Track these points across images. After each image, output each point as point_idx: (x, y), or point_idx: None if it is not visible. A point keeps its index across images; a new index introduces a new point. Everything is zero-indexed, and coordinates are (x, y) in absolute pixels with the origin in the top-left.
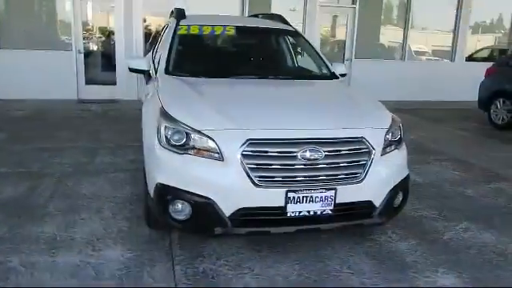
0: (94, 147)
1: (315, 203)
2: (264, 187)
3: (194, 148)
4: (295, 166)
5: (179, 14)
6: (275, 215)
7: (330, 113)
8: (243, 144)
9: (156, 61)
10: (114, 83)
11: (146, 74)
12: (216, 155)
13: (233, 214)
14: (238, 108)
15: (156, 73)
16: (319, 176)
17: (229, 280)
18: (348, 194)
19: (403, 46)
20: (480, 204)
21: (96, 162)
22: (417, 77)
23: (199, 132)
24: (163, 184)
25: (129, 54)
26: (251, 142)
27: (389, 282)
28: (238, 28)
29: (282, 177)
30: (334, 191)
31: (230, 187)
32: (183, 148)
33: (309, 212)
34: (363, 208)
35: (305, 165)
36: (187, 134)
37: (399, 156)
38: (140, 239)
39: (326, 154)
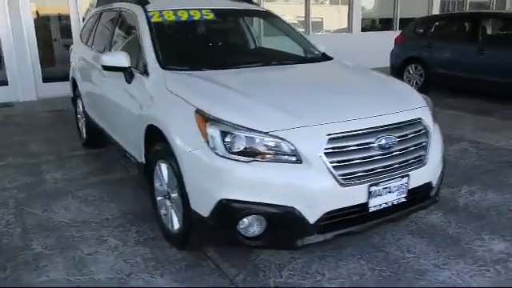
0: (31, 163)
1: (392, 193)
2: (348, 185)
3: (261, 153)
4: (374, 158)
5: (141, 0)
6: (357, 213)
7: (382, 96)
8: (324, 141)
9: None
10: (5, 83)
11: (127, 72)
12: (292, 158)
13: (318, 220)
14: (291, 101)
15: (144, 70)
16: (394, 164)
17: None
18: (417, 178)
19: (306, 21)
20: (461, 166)
21: (48, 181)
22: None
23: (267, 134)
24: (229, 199)
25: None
26: (331, 138)
27: (455, 258)
28: (215, 12)
29: (363, 171)
30: (407, 178)
31: (315, 191)
32: (248, 154)
33: (387, 203)
34: (425, 190)
35: (381, 154)
36: (250, 138)
37: (439, 131)
38: (177, 265)
39: (398, 140)
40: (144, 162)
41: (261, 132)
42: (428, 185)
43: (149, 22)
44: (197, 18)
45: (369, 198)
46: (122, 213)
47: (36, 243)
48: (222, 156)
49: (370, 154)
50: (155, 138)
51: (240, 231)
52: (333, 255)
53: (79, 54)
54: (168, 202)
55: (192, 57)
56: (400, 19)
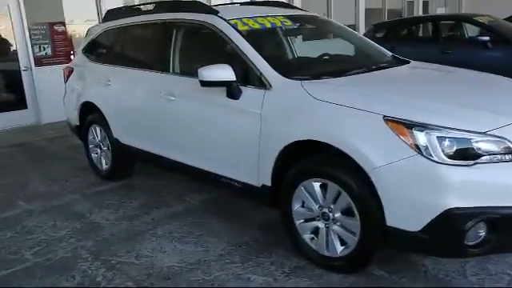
0: (57, 205)
1: None
2: None
3: (480, 155)
4: None
5: (210, 9)
6: None
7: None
8: None
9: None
10: None
11: (234, 87)
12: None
13: None
14: (465, 101)
15: (259, 82)
16: None
17: None
18: None
19: None
20: None
21: (102, 223)
22: None
23: (485, 134)
24: (457, 208)
25: None
26: None
27: None
28: (291, 18)
29: None
30: None
31: None
32: (467, 157)
33: None
34: None
35: None
36: (467, 140)
37: None
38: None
39: None
40: (269, 184)
41: (479, 133)
42: None
43: (239, 31)
44: (279, 24)
45: None
46: (233, 245)
47: None
48: (441, 162)
49: None
50: (293, 157)
51: (466, 240)
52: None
53: (100, 76)
54: (320, 224)
55: (305, 65)
56: None
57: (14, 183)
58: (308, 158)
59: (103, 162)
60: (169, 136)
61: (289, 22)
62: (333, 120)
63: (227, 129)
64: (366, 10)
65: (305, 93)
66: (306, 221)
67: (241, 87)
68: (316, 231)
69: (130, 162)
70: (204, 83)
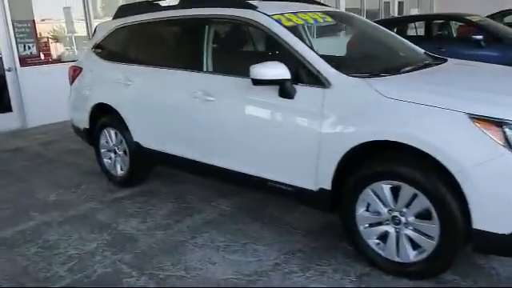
0: (74, 215)
1: None
2: None
3: None
4: None
5: (249, 4)
6: None
7: None
8: None
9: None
10: None
11: (288, 86)
12: None
13: None
14: None
15: (316, 80)
16: None
17: None
18: None
19: None
20: None
21: (133, 233)
22: None
23: None
24: None
25: None
26: None
27: None
28: (330, 14)
29: None
30: None
31: None
32: None
33: None
34: None
35: None
36: None
37: None
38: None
39: None
40: (329, 188)
41: None
42: None
43: (286, 27)
44: (321, 21)
45: None
46: (285, 253)
47: None
48: None
49: None
50: (357, 159)
51: None
52: None
53: (118, 75)
54: (390, 229)
55: (353, 61)
56: None
57: (21, 192)
58: (377, 160)
59: (118, 167)
60: (205, 139)
61: (329, 18)
62: (412, 119)
63: (280, 130)
64: (346, 9)
65: (373, 91)
66: (372, 225)
67: (295, 86)
68: (383, 236)
69: (148, 167)
70: (256, 82)
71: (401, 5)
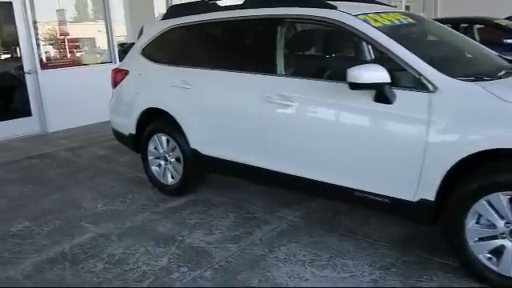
0: (132, 226)
1: None
2: None
3: None
4: None
5: (328, 4)
6: None
7: None
8: None
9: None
10: None
11: (387, 90)
12: None
13: None
14: None
15: (419, 84)
16: None
17: None
18: None
19: None
20: None
21: (205, 247)
22: None
23: None
24: None
25: None
26: None
27: None
28: (410, 16)
29: None
30: None
31: None
32: None
33: None
34: None
35: None
36: None
37: None
38: None
39: None
40: (432, 199)
41: None
42: None
43: (377, 29)
44: (405, 22)
45: None
46: (379, 268)
47: None
48: None
49: None
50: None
51: None
52: None
53: (174, 78)
54: (507, 243)
55: (449, 64)
56: None
57: (65, 202)
58: (495, 169)
59: (168, 175)
60: (279, 146)
61: (410, 19)
62: None
63: (374, 137)
64: None
65: (491, 95)
66: (484, 239)
67: (394, 90)
68: (496, 250)
69: (202, 176)
70: (354, 85)
71: (407, 9)
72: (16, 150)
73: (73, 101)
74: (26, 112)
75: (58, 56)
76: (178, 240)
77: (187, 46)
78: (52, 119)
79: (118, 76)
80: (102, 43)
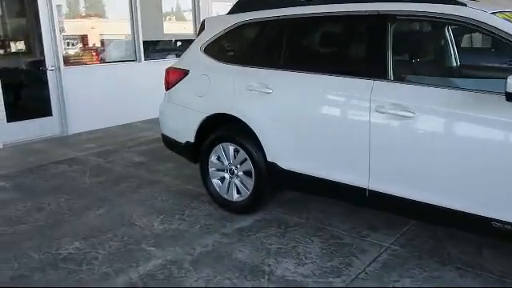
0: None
1: None
2: None
3: None
4: None
5: (458, 1)
6: None
7: None
8: None
9: None
10: None
11: None
12: None
13: None
14: None
15: None
16: None
17: None
18: None
19: None
20: None
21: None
22: None
23: None
24: None
25: None
26: None
27: None
28: None
29: None
30: None
31: None
32: None
33: None
34: None
35: None
36: None
37: None
38: None
39: None
40: None
41: None
42: None
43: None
44: None
45: None
46: None
47: None
48: None
49: None
50: None
51: None
52: None
53: (249, 81)
54: None
55: None
56: None
57: (112, 217)
58: None
59: (234, 190)
60: (392, 163)
61: None
62: None
63: None
64: None
65: None
66: None
67: None
68: None
69: (273, 192)
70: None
71: None
72: (39, 154)
73: (95, 100)
74: (45, 112)
75: (81, 52)
76: (266, 271)
77: (267, 44)
78: (73, 120)
79: (174, 76)
80: (125, 40)
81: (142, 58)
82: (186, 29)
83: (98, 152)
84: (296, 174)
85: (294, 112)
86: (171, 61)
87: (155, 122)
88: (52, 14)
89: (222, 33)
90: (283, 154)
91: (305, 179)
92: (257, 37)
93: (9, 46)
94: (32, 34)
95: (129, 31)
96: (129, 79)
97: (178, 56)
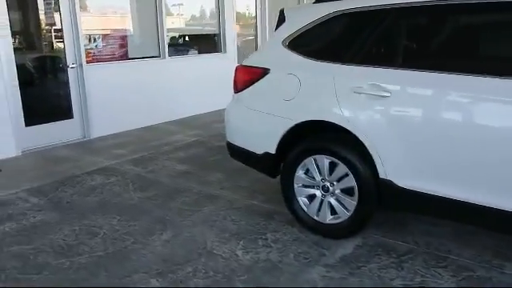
0: None
1: None
2: None
3: None
4: None
5: None
6: None
7: None
8: None
9: None
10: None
11: None
12: None
13: None
14: None
15: None
16: None
17: None
18: None
19: None
20: None
21: None
22: None
23: None
24: None
25: None
26: None
27: None
28: None
29: None
30: None
31: None
32: None
33: None
34: None
35: None
36: None
37: None
38: None
39: None
40: None
41: None
42: None
43: None
44: None
45: None
46: None
47: None
48: None
49: None
50: None
51: None
52: None
53: (354, 83)
54: None
55: None
56: None
57: (182, 243)
58: None
59: (327, 211)
60: None
61: None
62: None
63: None
64: None
65: None
66: None
67: None
68: None
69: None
70: None
71: None
72: (65, 162)
73: (117, 100)
74: (66, 113)
75: (104, 49)
76: None
77: (377, 38)
78: (95, 122)
79: (248, 75)
80: (149, 36)
81: (167, 54)
82: (206, 24)
83: (132, 160)
84: (422, 194)
85: (425, 121)
86: (194, 57)
87: (182, 123)
88: (74, 7)
89: (312, 25)
90: (404, 170)
91: (434, 201)
92: (363, 29)
93: (26, 43)
94: (52, 28)
95: (153, 26)
96: (153, 77)
97: (200, 52)
